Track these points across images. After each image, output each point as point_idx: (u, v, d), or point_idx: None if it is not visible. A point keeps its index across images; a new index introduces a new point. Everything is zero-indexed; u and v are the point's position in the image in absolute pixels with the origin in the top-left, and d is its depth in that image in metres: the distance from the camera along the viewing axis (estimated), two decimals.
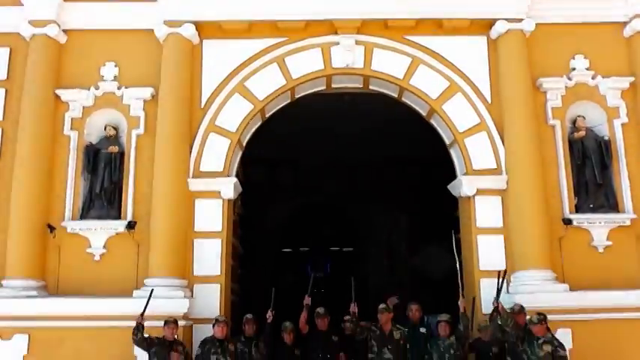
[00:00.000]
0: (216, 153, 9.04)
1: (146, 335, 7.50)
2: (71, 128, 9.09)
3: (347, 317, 8.22)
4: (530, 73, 9.08)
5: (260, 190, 12.95)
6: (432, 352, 7.92)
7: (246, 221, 11.52)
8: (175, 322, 7.68)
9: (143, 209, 8.78)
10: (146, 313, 7.53)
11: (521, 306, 7.74)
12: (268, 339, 8.00)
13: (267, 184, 12.90)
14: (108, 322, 8.15)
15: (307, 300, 7.97)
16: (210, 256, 8.75)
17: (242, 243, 11.05)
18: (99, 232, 8.76)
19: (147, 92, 9.09)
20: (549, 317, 7.43)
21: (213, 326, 7.81)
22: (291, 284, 14.45)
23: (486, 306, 8.33)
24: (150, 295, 7.69)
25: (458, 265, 8.38)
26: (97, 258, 8.76)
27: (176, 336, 7.78)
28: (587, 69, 9.22)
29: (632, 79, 9.14)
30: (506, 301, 7.95)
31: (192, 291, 8.61)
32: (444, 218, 11.37)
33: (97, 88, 9.17)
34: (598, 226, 8.76)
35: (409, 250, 16.74)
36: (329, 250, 24.00)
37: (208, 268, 8.72)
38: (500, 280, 7.69)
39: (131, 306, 7.90)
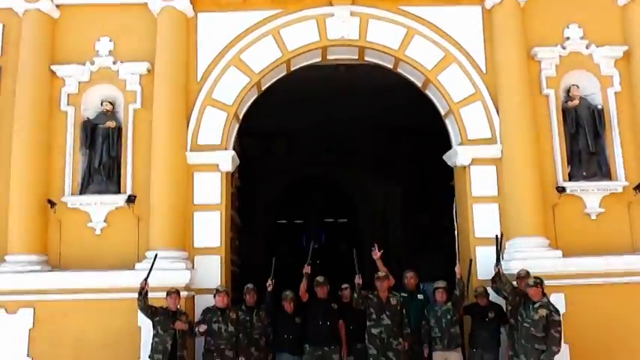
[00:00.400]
0: (214, 126, 9.10)
1: (150, 304, 7.65)
2: (68, 104, 9.10)
3: (344, 285, 8.41)
4: (525, 42, 9.12)
5: (256, 162, 13.03)
6: (429, 318, 8.15)
7: (243, 193, 11.64)
8: (177, 292, 7.83)
9: (142, 183, 8.84)
10: (149, 285, 7.65)
11: (527, 271, 7.86)
12: (269, 307, 8.18)
13: (262, 156, 12.98)
14: (111, 294, 8.31)
15: (307, 269, 8.11)
16: (209, 229, 8.88)
17: (239, 215, 11.18)
18: (99, 207, 8.84)
19: (143, 67, 9.09)
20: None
21: (214, 296, 7.98)
22: (286, 255, 14.56)
23: (482, 272, 8.56)
24: (154, 260, 7.81)
25: (456, 233, 8.55)
26: (97, 232, 8.86)
27: (179, 306, 7.95)
28: (581, 38, 9.26)
29: (625, 47, 9.20)
30: (503, 268, 8.15)
31: (192, 262, 8.76)
32: (439, 188, 11.56)
33: (92, 64, 9.16)
34: (591, 194, 8.91)
35: (403, 220, 16.93)
36: (324, 222, 24.22)
37: (208, 240, 8.85)
38: (499, 244, 7.88)
39: (133, 278, 8.02)
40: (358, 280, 7.84)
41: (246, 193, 12.23)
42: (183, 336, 7.72)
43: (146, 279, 7.67)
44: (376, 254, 8.19)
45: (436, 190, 11.86)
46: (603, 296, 8.41)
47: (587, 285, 8.39)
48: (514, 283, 7.88)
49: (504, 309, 8.11)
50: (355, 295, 7.83)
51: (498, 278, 7.75)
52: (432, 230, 13.79)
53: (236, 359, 7.82)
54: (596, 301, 8.39)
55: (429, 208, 13.60)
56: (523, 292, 7.69)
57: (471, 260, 8.42)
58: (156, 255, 7.92)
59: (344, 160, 14.66)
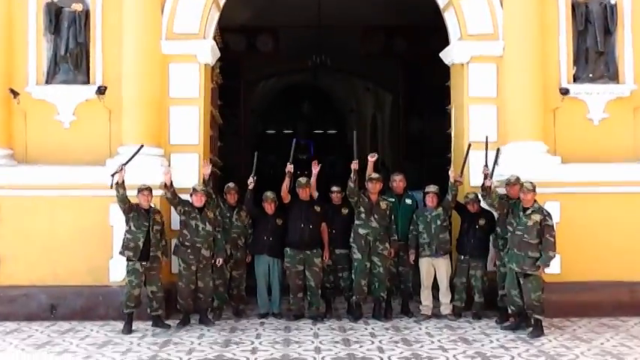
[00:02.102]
0: (191, 13, 8.14)
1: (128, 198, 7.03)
2: None
3: (334, 188, 7.79)
4: None
5: (240, 60, 12.12)
6: (417, 223, 7.63)
7: (227, 94, 10.83)
8: (149, 189, 7.16)
9: (113, 73, 8.02)
10: (125, 170, 6.97)
11: (518, 177, 7.23)
12: (250, 206, 7.60)
13: (246, 52, 12.03)
14: (81, 191, 7.70)
15: (289, 167, 7.46)
16: (187, 125, 8.14)
17: (223, 116, 10.44)
18: (67, 98, 8.04)
19: None
20: (540, 190, 7.02)
21: (191, 196, 7.32)
22: (274, 165, 13.97)
23: (475, 178, 7.95)
24: (138, 149, 7.15)
25: (453, 134, 7.90)
26: (66, 126, 8.10)
27: (152, 204, 7.34)
28: None
29: None
30: (496, 173, 7.54)
31: (169, 160, 8.08)
32: (432, 92, 10.84)
33: None
34: (595, 97, 8.18)
35: (392, 129, 16.22)
36: (313, 134, 23.61)
37: (185, 137, 8.13)
38: (491, 156, 7.24)
39: (105, 175, 7.35)
40: (355, 165, 7.22)
41: (230, 94, 11.42)
42: (156, 235, 7.14)
43: (125, 164, 6.99)
44: (373, 156, 7.55)
45: (429, 94, 11.12)
46: (600, 206, 7.90)
47: (584, 194, 7.86)
48: (502, 190, 7.32)
49: (495, 217, 7.60)
50: (351, 184, 7.23)
51: (488, 193, 7.14)
52: (422, 136, 13.08)
53: (212, 259, 7.29)
54: (592, 211, 7.88)
55: (421, 113, 12.82)
56: (511, 200, 7.13)
57: (469, 145, 7.67)
58: (141, 146, 7.23)
59: (333, 63, 13.73)
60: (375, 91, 17.57)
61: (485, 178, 7.24)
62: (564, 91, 8.11)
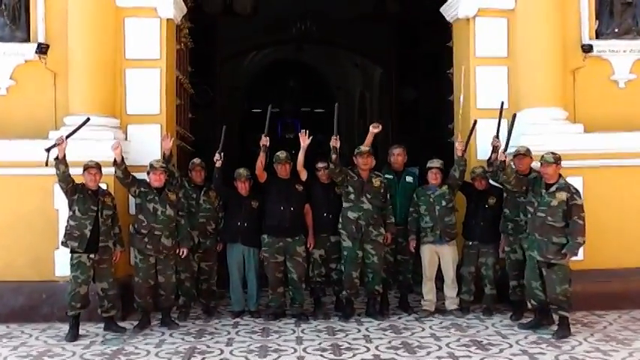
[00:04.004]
0: None
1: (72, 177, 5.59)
2: None
3: (320, 164, 6.34)
4: None
5: (215, 24, 10.54)
6: (419, 204, 6.22)
7: (202, 62, 9.32)
8: (98, 166, 5.68)
9: (58, 30, 6.51)
10: (66, 143, 5.51)
11: (528, 149, 5.94)
12: (219, 186, 6.13)
13: (223, 17, 10.43)
14: (20, 169, 6.20)
15: (264, 140, 5.98)
16: (146, 91, 6.66)
17: (197, 88, 8.96)
18: (2, 59, 6.54)
19: None
20: None
21: (148, 174, 5.86)
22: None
23: (483, 151, 6.58)
24: (84, 122, 5.72)
25: (462, 98, 6.48)
26: (2, 92, 6.61)
27: (105, 185, 5.89)
28: None
29: None
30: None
31: (126, 133, 6.62)
32: (426, 57, 9.43)
33: None
34: (622, 56, 6.86)
35: (382, 102, 14.74)
36: (300, 111, 22.17)
37: (144, 105, 6.65)
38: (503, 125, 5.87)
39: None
40: (335, 142, 5.81)
41: (206, 62, 9.90)
42: (106, 221, 5.68)
43: (68, 136, 5.55)
44: (376, 127, 6.10)
45: (424, 59, 9.68)
46: (629, 181, 6.59)
47: (610, 167, 6.52)
48: (513, 165, 5.95)
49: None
50: (331, 165, 5.85)
51: (502, 168, 5.72)
52: (417, 106, 11.60)
53: (174, 249, 5.85)
54: (620, 187, 6.56)
55: (416, 81, 11.31)
56: (530, 176, 5.76)
57: (475, 121, 6.35)
58: (87, 119, 5.79)
59: (319, 33, 12.19)
60: (364, 67, 16.05)
61: (493, 151, 5.88)
62: (587, 49, 6.72)
